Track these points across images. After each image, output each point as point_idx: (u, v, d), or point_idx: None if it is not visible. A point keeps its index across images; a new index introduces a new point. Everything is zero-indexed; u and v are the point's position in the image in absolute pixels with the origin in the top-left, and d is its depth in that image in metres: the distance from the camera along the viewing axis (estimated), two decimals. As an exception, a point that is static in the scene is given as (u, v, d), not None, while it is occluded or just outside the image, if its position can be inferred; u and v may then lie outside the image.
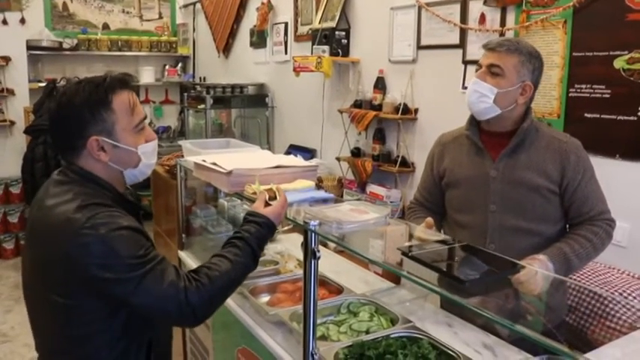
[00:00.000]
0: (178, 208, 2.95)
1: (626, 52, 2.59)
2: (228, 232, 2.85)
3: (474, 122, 2.17)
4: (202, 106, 5.43)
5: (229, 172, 2.02)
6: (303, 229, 1.61)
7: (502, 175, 2.05)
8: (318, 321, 2.02)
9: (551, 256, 1.90)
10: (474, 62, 3.32)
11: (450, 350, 1.74)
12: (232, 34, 6.15)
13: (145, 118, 1.66)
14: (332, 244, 2.92)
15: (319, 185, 4.22)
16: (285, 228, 2.99)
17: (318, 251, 1.59)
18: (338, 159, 4.27)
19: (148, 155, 1.64)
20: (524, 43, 2.06)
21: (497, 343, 1.91)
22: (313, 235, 1.59)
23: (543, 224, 2.04)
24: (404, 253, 1.31)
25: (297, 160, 2.25)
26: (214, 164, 2.14)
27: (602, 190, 2.06)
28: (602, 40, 2.68)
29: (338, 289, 2.30)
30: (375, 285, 2.53)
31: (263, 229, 1.68)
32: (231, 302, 2.29)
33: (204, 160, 2.24)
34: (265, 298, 2.31)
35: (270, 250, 2.75)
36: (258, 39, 5.64)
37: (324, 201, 1.99)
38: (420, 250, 1.31)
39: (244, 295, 2.28)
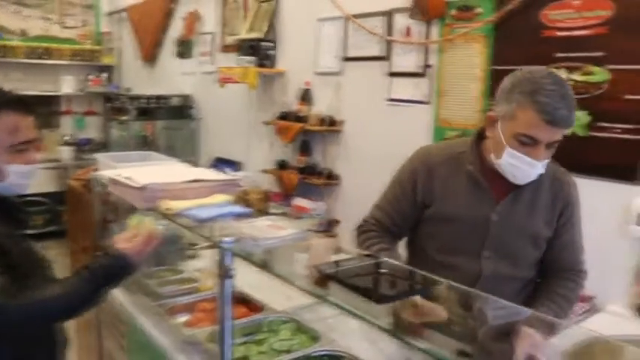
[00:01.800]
0: (94, 225, 2.80)
1: (543, 67, 2.64)
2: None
3: (477, 154, 1.82)
4: (125, 117, 5.26)
5: (143, 187, 1.93)
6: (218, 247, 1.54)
7: (504, 221, 1.78)
8: (238, 341, 1.95)
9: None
10: (400, 74, 3.43)
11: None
12: (158, 43, 6.00)
13: (33, 141, 1.66)
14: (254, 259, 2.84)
15: (244, 198, 4.17)
16: (203, 245, 2.89)
17: (233, 269, 1.52)
18: (264, 171, 4.20)
19: (19, 176, 1.64)
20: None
21: (423, 358, 1.87)
22: (227, 253, 1.51)
23: (530, 270, 1.87)
24: (320, 272, 1.25)
25: (216, 174, 2.18)
26: (128, 179, 2.04)
27: (581, 235, 1.90)
28: (520, 55, 2.74)
29: (259, 307, 2.22)
30: (298, 300, 2.46)
31: (114, 263, 1.64)
32: (146, 323, 2.18)
33: (118, 175, 2.13)
34: (184, 318, 2.21)
35: (189, 266, 2.65)
36: (185, 49, 5.52)
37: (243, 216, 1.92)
38: (337, 268, 1.25)
39: (160, 316, 2.17)
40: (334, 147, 3.81)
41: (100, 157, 2.87)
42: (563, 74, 2.57)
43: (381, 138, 3.48)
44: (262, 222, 1.70)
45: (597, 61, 2.48)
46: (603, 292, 2.36)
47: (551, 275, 1.87)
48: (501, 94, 1.68)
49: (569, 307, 1.86)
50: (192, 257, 2.77)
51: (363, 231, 2.00)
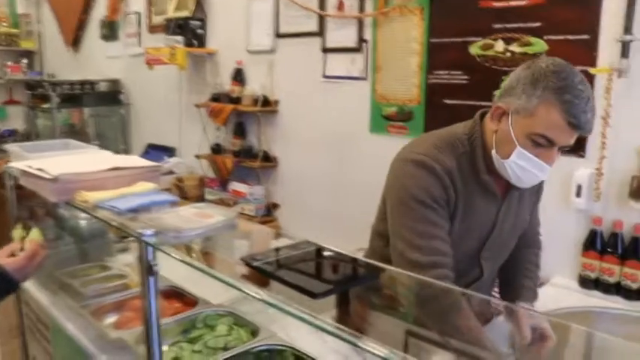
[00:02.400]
0: (9, 221, 2.58)
1: (480, 39, 2.58)
2: (67, 246, 2.53)
3: (484, 155, 1.58)
4: (48, 105, 4.95)
5: (55, 179, 1.74)
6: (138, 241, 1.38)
7: (503, 220, 1.67)
8: (171, 340, 1.80)
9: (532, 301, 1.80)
10: (335, 50, 3.31)
11: (315, 360, 1.59)
12: (81, 25, 5.67)
13: None
14: (195, 247, 2.68)
15: (179, 186, 3.99)
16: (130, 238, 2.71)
17: (156, 265, 1.37)
18: (198, 157, 4.02)
19: None
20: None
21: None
22: (148, 247, 1.36)
23: None
24: (247, 264, 1.12)
25: (139, 161, 2.00)
26: (40, 170, 1.84)
27: None
28: (458, 27, 2.65)
29: (193, 301, 2.07)
30: (236, 291, 2.32)
31: None
32: (70, 326, 2.00)
33: (29, 166, 1.93)
34: (112, 319, 2.03)
35: (118, 262, 2.47)
36: (110, 31, 5.24)
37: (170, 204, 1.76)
38: (267, 259, 1.12)
39: (86, 318, 1.99)
40: (270, 128, 3.67)
41: (11, 147, 2.63)
42: (500, 46, 2.51)
43: (318, 116, 3.37)
44: (187, 210, 1.55)
45: (535, 32, 2.42)
46: (549, 264, 2.31)
47: (522, 247, 1.85)
48: (518, 85, 1.46)
49: (539, 273, 1.89)
50: (123, 251, 2.59)
51: (441, 276, 1.51)
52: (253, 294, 1.05)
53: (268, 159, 3.66)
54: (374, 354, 0.81)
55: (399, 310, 1.56)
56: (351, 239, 2.78)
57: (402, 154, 1.64)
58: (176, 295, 2.11)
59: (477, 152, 1.58)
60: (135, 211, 1.61)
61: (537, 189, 1.78)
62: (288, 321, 1.96)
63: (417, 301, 1.47)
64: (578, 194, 2.29)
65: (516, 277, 1.82)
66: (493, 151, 1.55)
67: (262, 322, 1.88)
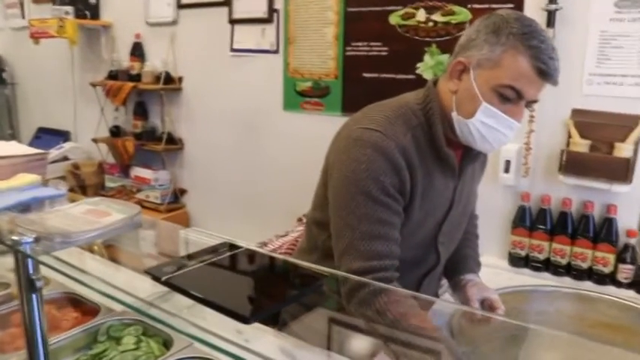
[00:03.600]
0: None
1: (400, 7, 2.43)
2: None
3: (442, 125, 1.41)
4: None
5: None
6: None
7: (459, 197, 1.53)
8: (70, 359, 1.54)
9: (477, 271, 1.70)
10: (243, 21, 3.07)
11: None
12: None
13: None
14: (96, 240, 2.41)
15: (75, 173, 3.65)
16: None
17: (38, 279, 1.11)
18: (95, 140, 3.68)
19: None
20: None
21: (297, 345, 1.59)
22: (27, 259, 1.10)
23: None
24: (155, 278, 0.89)
25: (20, 148, 1.70)
26: None
27: None
28: (378, -6, 2.49)
29: (94, 309, 1.80)
30: (145, 290, 2.07)
31: None
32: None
33: None
34: (-5, 334, 1.74)
35: (1, 266, 2.15)
36: (-13, 2, 4.73)
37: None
38: (180, 270, 0.89)
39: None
40: (174, 107, 3.41)
41: None
42: (422, 15, 2.36)
43: (227, 94, 3.14)
44: (79, 208, 1.29)
45: (459, 1, 2.30)
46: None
47: None
48: (478, 36, 1.33)
49: (478, 244, 1.81)
50: (3, 253, 2.26)
51: (376, 277, 1.33)
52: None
53: (173, 141, 3.41)
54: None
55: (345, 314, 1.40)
56: (267, 225, 2.61)
57: (347, 130, 1.43)
58: (73, 302, 1.83)
59: (434, 123, 1.40)
60: (10, 209, 1.34)
61: (483, 161, 1.66)
62: (210, 321, 1.75)
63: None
64: (507, 170, 2.20)
65: (458, 247, 1.70)
66: (454, 113, 1.38)
67: (178, 325, 1.65)
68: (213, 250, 0.94)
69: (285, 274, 0.93)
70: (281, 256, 0.95)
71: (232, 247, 0.94)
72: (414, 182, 1.37)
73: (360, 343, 1.44)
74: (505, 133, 1.35)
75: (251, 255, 0.93)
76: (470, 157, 1.49)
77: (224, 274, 0.94)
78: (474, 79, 1.33)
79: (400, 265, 1.39)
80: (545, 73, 1.27)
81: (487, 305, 1.54)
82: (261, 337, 1.56)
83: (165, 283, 0.86)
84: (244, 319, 0.74)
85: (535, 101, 1.35)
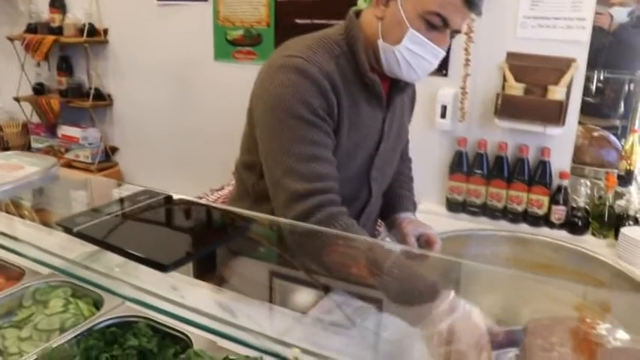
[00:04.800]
0: None
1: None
2: None
3: (366, 52, 1.40)
4: None
5: None
6: None
7: (389, 130, 1.51)
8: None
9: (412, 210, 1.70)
10: None
11: (175, 331, 1.32)
12: None
13: None
14: (24, 204, 2.29)
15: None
16: None
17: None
18: (17, 99, 3.48)
19: None
20: None
21: (234, 298, 1.55)
22: None
23: None
24: (67, 229, 0.82)
25: None
26: None
27: None
28: None
29: (19, 273, 1.70)
30: (75, 250, 1.98)
31: None
32: None
33: None
34: None
35: None
36: None
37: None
38: (94, 220, 0.83)
39: None
40: (100, 61, 3.24)
41: None
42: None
43: (155, 46, 3.01)
44: (-11, 163, 1.20)
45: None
46: (416, 190, 2.22)
47: None
48: None
49: (413, 186, 1.81)
50: None
51: (321, 210, 1.30)
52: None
53: (101, 97, 3.24)
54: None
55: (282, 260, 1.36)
56: (202, 179, 2.53)
57: (269, 62, 1.40)
58: (-3, 267, 1.73)
59: (357, 50, 1.38)
60: None
61: (412, 96, 1.67)
62: (144, 278, 1.68)
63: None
64: (443, 115, 2.19)
65: (392, 188, 1.71)
66: (380, 41, 1.36)
67: (110, 284, 1.58)
68: (131, 199, 0.88)
69: (208, 222, 0.87)
70: (204, 203, 0.90)
71: (151, 194, 0.88)
72: (340, 108, 1.36)
73: (301, 293, 1.41)
74: (430, 61, 1.35)
75: (173, 203, 0.87)
76: (397, 88, 1.48)
77: (143, 223, 0.88)
78: (401, 5, 1.32)
79: None
80: (471, 1, 1.27)
81: (424, 241, 1.55)
82: (197, 292, 1.52)
83: (78, 235, 0.80)
84: (162, 267, 0.69)
85: (458, 31, 1.34)
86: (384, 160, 1.53)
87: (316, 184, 1.30)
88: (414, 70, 1.36)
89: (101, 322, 1.40)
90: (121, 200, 0.87)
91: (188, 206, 0.91)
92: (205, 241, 0.84)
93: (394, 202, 1.70)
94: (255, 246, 1.30)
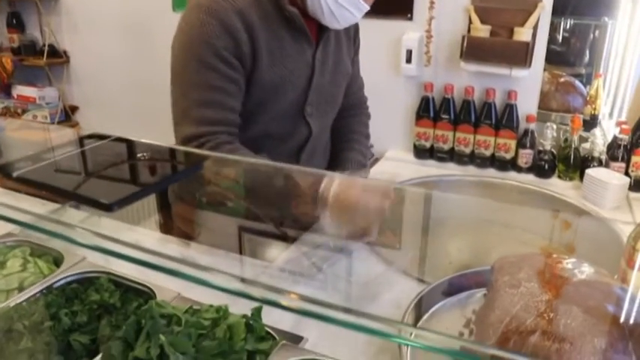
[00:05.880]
0: None
1: None
2: None
3: None
4: None
5: None
6: None
7: (321, 67, 1.49)
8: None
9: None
10: None
11: (138, 284, 1.29)
12: None
13: None
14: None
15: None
16: None
17: None
18: (-33, 59, 3.34)
19: None
20: None
21: (204, 252, 1.53)
22: None
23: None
24: (7, 175, 0.77)
25: None
26: None
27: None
28: None
29: (-27, 234, 1.65)
30: (36, 208, 1.91)
31: None
32: None
33: None
34: None
35: None
36: None
37: None
38: (36, 165, 0.78)
39: None
40: (54, 16, 3.10)
41: None
42: None
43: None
44: None
45: None
46: (382, 138, 2.19)
47: (346, 115, 1.71)
48: None
49: (368, 144, 1.79)
50: None
51: (213, 141, 1.34)
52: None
53: (57, 54, 3.12)
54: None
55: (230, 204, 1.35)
56: (167, 135, 2.46)
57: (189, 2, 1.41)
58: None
59: None
60: None
61: (354, 35, 1.64)
62: (109, 230, 1.63)
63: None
64: (409, 60, 2.15)
65: (342, 149, 1.70)
66: None
67: (74, 236, 1.53)
68: (74, 143, 0.83)
69: (155, 162, 0.83)
70: (150, 143, 0.85)
71: (100, 138, 0.83)
72: (256, 45, 1.34)
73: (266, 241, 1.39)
74: (354, 14, 1.37)
75: (120, 145, 0.83)
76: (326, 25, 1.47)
77: (88, 165, 0.83)
78: None
79: (268, 140, 1.46)
80: None
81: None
82: (162, 243, 1.48)
83: (19, 179, 0.75)
84: (106, 207, 0.64)
85: None
86: (321, 95, 1.51)
87: (204, 128, 1.34)
88: (336, 19, 1.38)
89: (61, 279, 1.37)
90: (67, 144, 0.83)
91: (136, 147, 0.87)
92: (152, 180, 0.80)
93: (342, 165, 1.69)
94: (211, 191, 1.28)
